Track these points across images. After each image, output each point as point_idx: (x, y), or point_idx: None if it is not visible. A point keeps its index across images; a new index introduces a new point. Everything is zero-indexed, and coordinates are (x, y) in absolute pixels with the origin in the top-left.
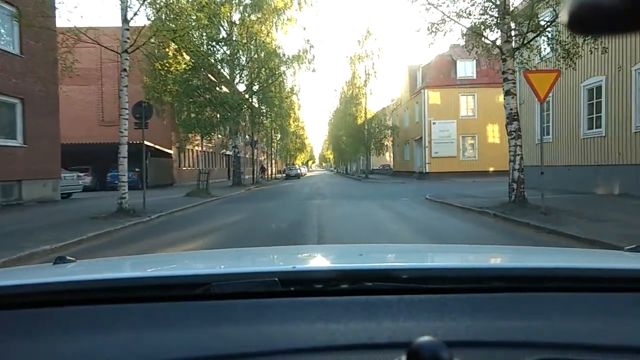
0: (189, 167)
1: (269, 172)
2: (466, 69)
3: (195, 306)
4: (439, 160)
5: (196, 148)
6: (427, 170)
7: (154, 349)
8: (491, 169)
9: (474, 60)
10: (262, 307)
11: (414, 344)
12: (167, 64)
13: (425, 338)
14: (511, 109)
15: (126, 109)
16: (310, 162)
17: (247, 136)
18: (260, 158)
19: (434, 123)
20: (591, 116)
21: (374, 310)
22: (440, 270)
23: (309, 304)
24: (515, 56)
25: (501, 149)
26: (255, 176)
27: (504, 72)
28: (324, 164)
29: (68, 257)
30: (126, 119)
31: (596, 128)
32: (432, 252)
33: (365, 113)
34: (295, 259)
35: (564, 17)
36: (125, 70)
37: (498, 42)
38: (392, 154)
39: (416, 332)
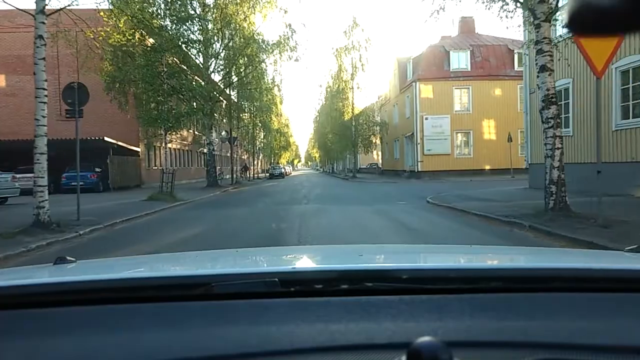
0: (162, 166)
1: (253, 172)
2: (460, 60)
3: (196, 306)
4: (432, 158)
5: (170, 145)
6: (419, 169)
7: (154, 349)
8: (487, 167)
9: (468, 51)
10: (262, 308)
11: (414, 344)
12: (102, 33)
13: (425, 338)
14: (547, 90)
15: (43, 89)
16: (296, 161)
17: (224, 132)
18: (244, 157)
19: (426, 118)
20: (626, 103)
21: (374, 311)
22: (440, 270)
23: (309, 305)
24: (556, 19)
25: (497, 146)
26: (234, 176)
27: (537, 42)
28: (309, 163)
29: (68, 257)
30: (43, 102)
31: (634, 117)
32: (432, 252)
33: (353, 108)
34: (295, 259)
35: (564, 18)
36: (41, 37)
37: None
38: (380, 152)
39: (416, 332)
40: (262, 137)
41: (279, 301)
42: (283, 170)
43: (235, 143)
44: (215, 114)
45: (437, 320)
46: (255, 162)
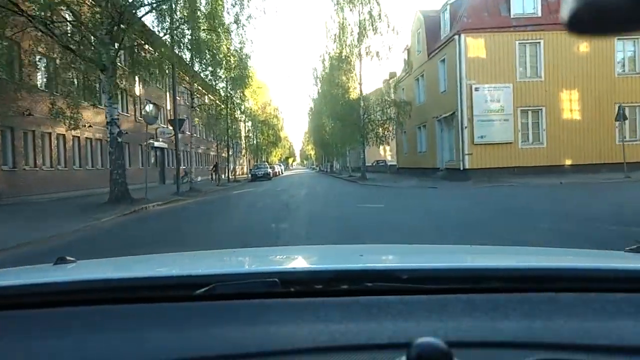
0: (57, 167)
1: (228, 172)
2: (525, 2)
3: (196, 306)
4: (485, 150)
5: (75, 133)
6: (465, 166)
7: (154, 349)
8: (567, 162)
9: None
10: (262, 308)
11: (414, 344)
12: None
13: (425, 338)
14: None
15: None
16: (290, 160)
17: (150, 106)
18: (223, 154)
19: (476, 89)
20: None
21: (374, 311)
22: (441, 270)
23: (309, 305)
24: None
25: (585, 130)
26: (180, 181)
27: None
28: (305, 162)
29: (68, 258)
30: None
31: None
32: (432, 252)
33: (361, 82)
34: (295, 259)
35: (563, 18)
36: None
37: None
38: (389, 145)
39: (416, 332)
40: (237, 127)
41: (279, 301)
42: (269, 170)
43: (183, 128)
44: (120, 70)
45: (437, 320)
46: (241, 161)
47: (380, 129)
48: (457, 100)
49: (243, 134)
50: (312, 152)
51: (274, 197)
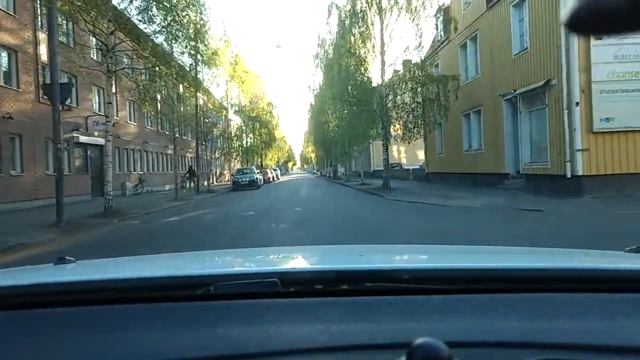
0: None
1: (226, 178)
2: None
3: (196, 306)
4: (612, 142)
5: None
6: (579, 171)
7: (154, 349)
8: None
9: None
10: (262, 308)
11: (414, 344)
12: None
13: (425, 338)
14: None
15: None
16: (290, 164)
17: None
18: (208, 157)
19: (594, 44)
20: None
21: (374, 311)
22: (440, 270)
23: (309, 305)
24: None
25: None
26: (61, 199)
27: None
28: (305, 166)
29: (68, 258)
30: None
31: None
32: (432, 252)
33: (382, 48)
34: (295, 259)
35: (564, 17)
36: None
37: None
38: (400, 145)
39: (416, 332)
40: (218, 119)
41: (279, 301)
42: (257, 176)
43: (69, 100)
44: None
45: (437, 320)
46: (231, 165)
47: (411, 117)
48: (558, 60)
49: (233, 131)
50: (313, 155)
51: (234, 233)
